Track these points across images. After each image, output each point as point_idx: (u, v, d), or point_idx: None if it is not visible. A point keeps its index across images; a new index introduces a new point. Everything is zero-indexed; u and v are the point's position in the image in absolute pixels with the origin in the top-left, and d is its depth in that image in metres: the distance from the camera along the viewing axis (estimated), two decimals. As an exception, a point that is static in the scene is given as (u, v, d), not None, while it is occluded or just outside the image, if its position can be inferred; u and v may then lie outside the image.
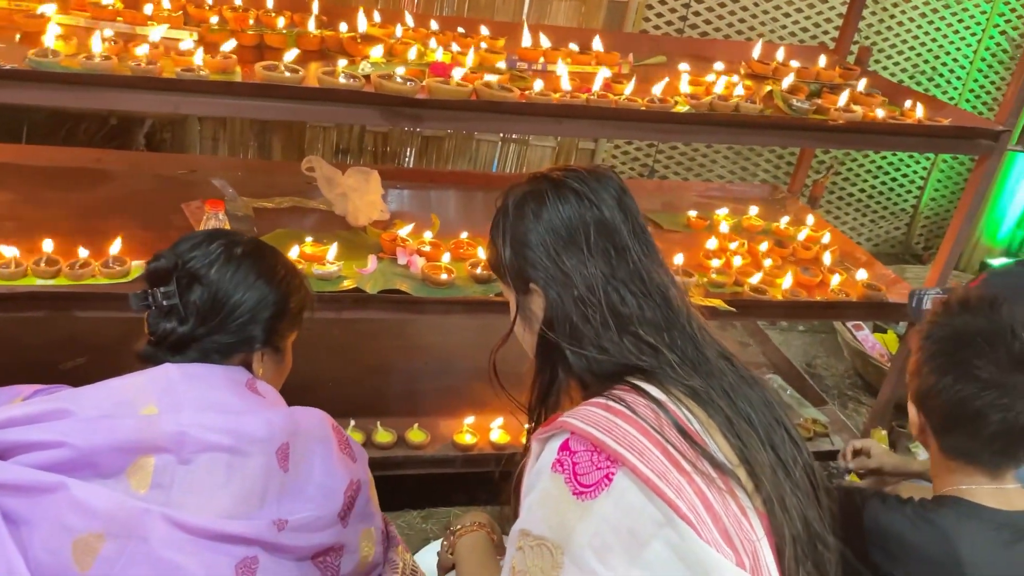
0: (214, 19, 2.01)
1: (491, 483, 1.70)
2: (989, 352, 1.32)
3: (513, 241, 1.14)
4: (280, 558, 1.15)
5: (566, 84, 1.95)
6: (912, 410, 1.46)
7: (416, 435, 2.17)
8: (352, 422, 2.13)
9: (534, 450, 1.02)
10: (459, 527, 1.36)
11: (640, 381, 1.03)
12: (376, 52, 1.95)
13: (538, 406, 1.16)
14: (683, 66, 2.27)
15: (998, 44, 4.01)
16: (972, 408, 1.32)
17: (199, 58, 1.71)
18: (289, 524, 1.15)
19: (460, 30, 2.28)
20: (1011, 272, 1.77)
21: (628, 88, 1.99)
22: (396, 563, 1.34)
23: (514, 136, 3.51)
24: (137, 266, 1.82)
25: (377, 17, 2.22)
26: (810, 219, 2.68)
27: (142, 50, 1.74)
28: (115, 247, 1.85)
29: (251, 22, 2.03)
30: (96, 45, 1.69)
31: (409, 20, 2.23)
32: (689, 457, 0.96)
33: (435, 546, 1.85)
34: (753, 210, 2.66)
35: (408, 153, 3.48)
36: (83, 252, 1.83)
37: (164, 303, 1.22)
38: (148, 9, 1.97)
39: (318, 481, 1.21)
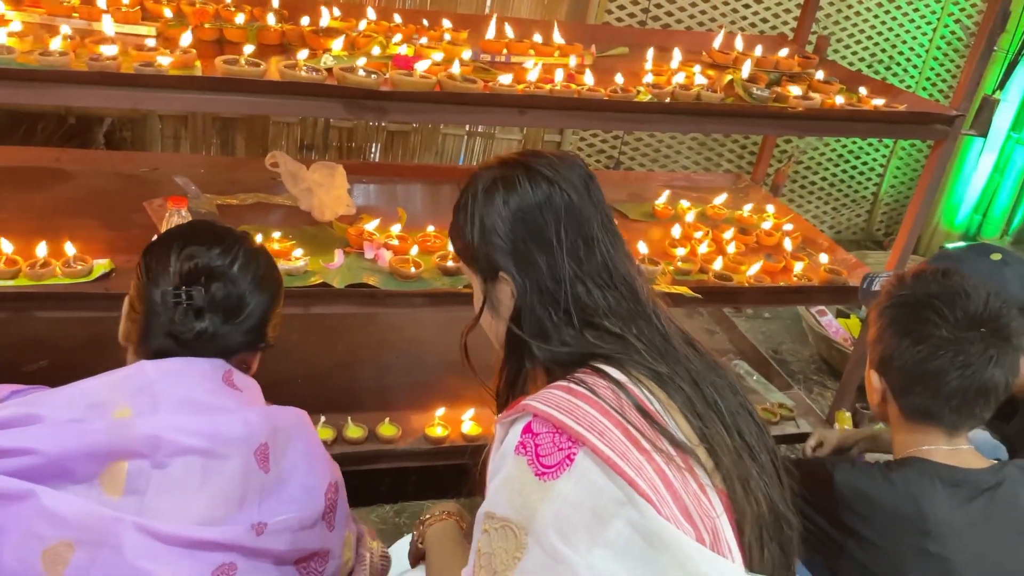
0: (169, 13, 1.98)
1: (464, 475, 1.72)
2: (946, 313, 1.39)
3: (482, 227, 1.13)
4: (260, 563, 1.13)
5: (533, 75, 1.95)
6: (873, 378, 1.51)
7: (387, 429, 2.16)
8: (323, 418, 2.12)
9: (498, 434, 1.04)
10: (428, 517, 1.37)
11: (603, 364, 1.05)
12: (338, 45, 1.94)
13: (506, 393, 1.17)
14: (646, 58, 2.29)
15: (953, 32, 4.09)
16: (931, 367, 1.39)
17: (162, 58, 1.69)
18: (269, 527, 1.13)
19: (424, 22, 2.28)
20: (948, 255, 1.83)
21: (589, 78, 2.00)
22: (364, 557, 1.34)
23: (480, 129, 3.51)
24: (99, 265, 1.80)
25: (338, 12, 2.21)
26: (772, 208, 2.72)
27: (104, 49, 1.72)
28: (76, 247, 1.82)
29: (210, 17, 2.01)
30: (53, 42, 1.66)
31: (371, 13, 2.23)
32: (649, 436, 0.98)
33: (409, 539, 1.86)
34: (718, 200, 2.69)
35: (374, 148, 3.46)
36: (43, 252, 1.80)
37: (199, 302, 1.20)
38: (104, 4, 1.94)
39: (300, 481, 1.20)
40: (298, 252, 1.95)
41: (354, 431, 2.14)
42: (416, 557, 1.39)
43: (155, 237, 1.33)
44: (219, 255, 1.23)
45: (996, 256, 1.73)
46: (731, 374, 1.15)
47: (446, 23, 2.30)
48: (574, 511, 0.93)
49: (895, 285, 1.51)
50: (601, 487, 0.93)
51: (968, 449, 1.45)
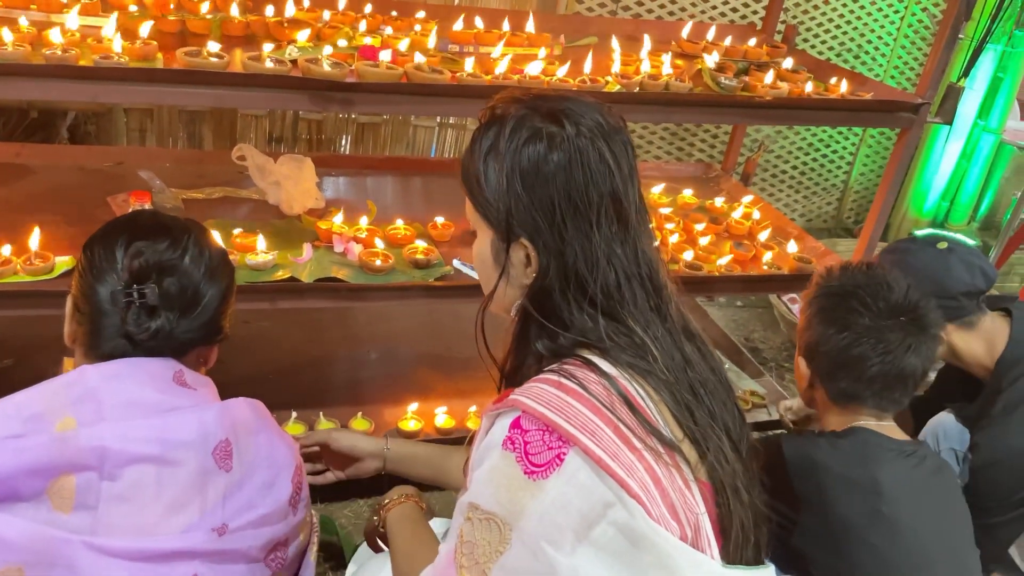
0: (133, 7, 1.95)
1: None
2: (868, 303, 1.48)
3: (510, 178, 1.00)
4: (226, 565, 1.10)
5: (503, 66, 1.94)
6: (801, 364, 1.59)
7: (360, 424, 2.15)
8: (294, 414, 2.10)
9: (484, 424, 1.01)
10: (387, 501, 1.37)
11: (593, 356, 1.00)
12: (303, 36, 1.91)
13: (514, 374, 1.10)
14: (614, 46, 2.29)
15: (920, 21, 4.13)
16: (854, 354, 1.48)
17: (118, 45, 1.66)
18: (231, 527, 1.10)
19: (393, 13, 2.26)
20: (898, 247, 1.88)
21: (561, 70, 2.00)
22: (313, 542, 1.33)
23: (451, 121, 3.49)
24: (62, 262, 1.76)
25: (307, 3, 2.18)
26: (746, 198, 2.73)
27: (57, 38, 1.68)
28: (37, 243, 1.79)
29: (172, 7, 1.98)
30: (8, 34, 1.62)
31: (341, 3, 2.20)
32: (639, 434, 0.96)
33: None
34: (688, 191, 2.70)
35: (344, 140, 3.43)
36: (4, 249, 1.76)
37: (150, 301, 1.14)
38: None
39: (265, 473, 1.17)
40: (263, 245, 1.92)
41: (326, 426, 2.12)
42: (374, 543, 1.38)
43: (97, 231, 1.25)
44: (168, 248, 1.17)
45: (943, 245, 1.79)
46: (719, 359, 1.13)
47: (419, 14, 2.28)
48: (561, 511, 0.91)
49: (823, 277, 1.59)
50: (590, 488, 0.91)
51: (893, 425, 1.54)
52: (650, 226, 1.08)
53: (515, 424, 0.95)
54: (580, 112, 1.02)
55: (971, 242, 1.94)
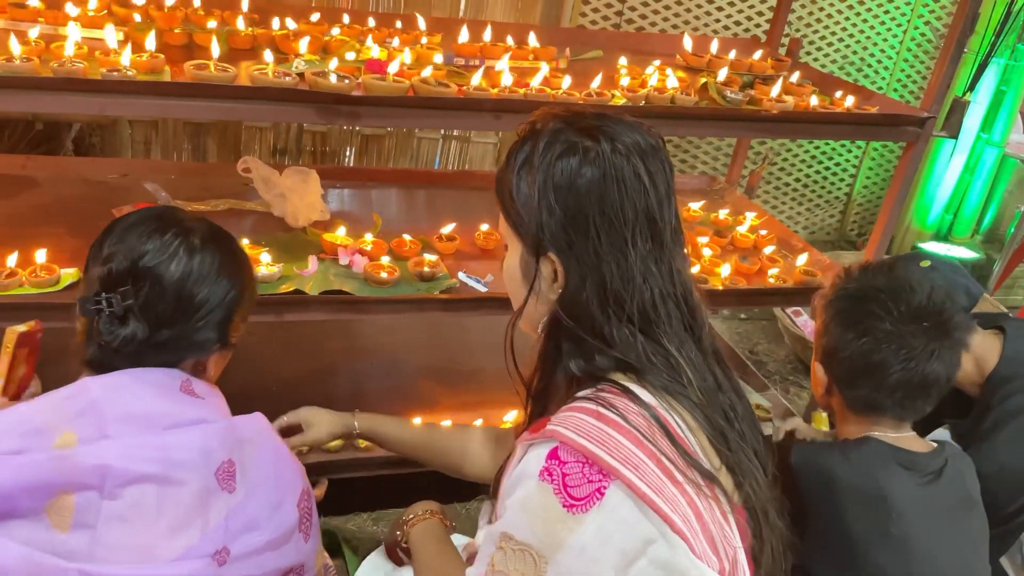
0: (137, 16, 1.95)
1: (441, 482, 1.71)
2: (889, 306, 1.42)
3: (543, 191, 0.99)
4: None
5: (507, 79, 1.94)
6: (817, 370, 1.54)
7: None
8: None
9: (518, 452, 0.99)
10: (411, 516, 1.36)
11: (630, 383, 0.98)
12: (304, 47, 1.92)
13: (542, 397, 1.08)
14: (621, 61, 2.29)
15: (923, 35, 4.14)
16: (875, 360, 1.42)
17: (126, 58, 1.66)
18: (233, 554, 1.05)
19: (398, 24, 2.26)
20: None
21: (565, 83, 2.00)
22: (330, 568, 1.31)
23: (455, 133, 3.50)
24: (67, 274, 1.76)
25: (314, 17, 2.19)
26: (750, 213, 2.73)
27: (69, 50, 1.68)
28: (43, 255, 1.79)
29: (180, 21, 1.98)
30: (16, 46, 1.63)
31: (345, 18, 2.21)
32: (680, 467, 0.94)
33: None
34: (695, 205, 2.70)
35: (348, 152, 3.44)
36: (9, 261, 1.76)
37: (121, 307, 1.08)
38: (71, 9, 1.90)
39: (268, 496, 1.12)
40: (267, 258, 1.92)
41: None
42: (397, 554, 1.37)
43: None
44: (154, 252, 1.10)
45: (925, 263, 1.78)
46: (742, 385, 1.12)
47: (421, 24, 2.29)
48: (601, 547, 0.89)
49: (841, 278, 1.54)
50: (632, 524, 0.89)
51: (912, 435, 1.49)
52: (685, 248, 1.07)
53: (552, 455, 0.92)
54: (617, 129, 1.01)
55: (974, 253, 1.94)
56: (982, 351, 1.77)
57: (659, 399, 0.97)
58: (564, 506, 0.90)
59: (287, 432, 1.62)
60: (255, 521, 1.09)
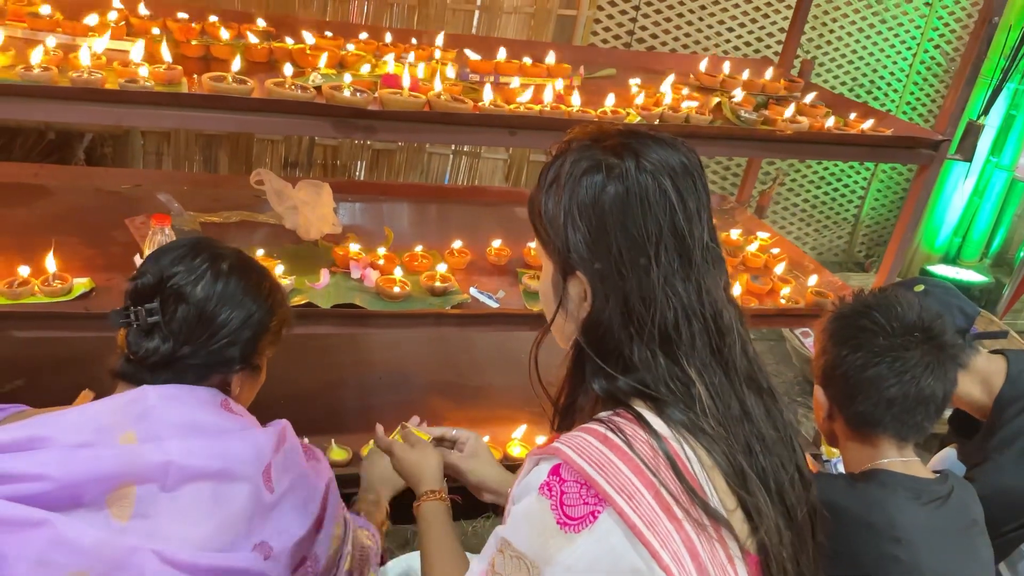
0: (156, 30, 1.96)
1: (461, 499, 1.70)
2: (882, 322, 1.45)
3: (568, 210, 0.98)
4: None
5: (524, 97, 1.95)
6: (818, 394, 1.55)
7: (344, 452, 2.13)
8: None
9: (526, 464, 0.99)
10: (423, 491, 1.41)
11: (646, 410, 0.97)
12: (323, 63, 1.92)
13: (569, 411, 1.07)
14: (633, 80, 2.30)
15: (932, 58, 4.15)
16: (869, 374, 1.43)
17: (144, 69, 1.67)
18: (275, 551, 1.13)
19: (413, 41, 2.27)
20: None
21: (575, 100, 2.00)
22: (344, 553, 1.34)
23: (466, 149, 3.51)
24: (79, 284, 1.76)
25: (329, 33, 2.20)
26: (762, 233, 2.72)
27: (86, 60, 1.69)
28: (55, 264, 1.79)
29: (197, 33, 1.99)
30: (35, 56, 1.64)
31: (363, 34, 2.22)
32: (683, 503, 0.92)
33: (398, 562, 1.83)
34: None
35: (359, 166, 3.45)
36: (22, 270, 1.76)
37: (147, 321, 1.16)
38: (89, 20, 1.91)
39: (302, 496, 1.20)
40: (280, 270, 1.91)
41: (338, 453, 2.11)
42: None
43: None
44: (183, 274, 1.19)
45: (919, 287, 1.79)
46: (789, 418, 1.07)
47: (437, 40, 2.30)
48: (587, 570, 0.89)
49: (837, 304, 1.58)
50: (620, 553, 0.88)
51: (917, 461, 1.50)
52: (721, 269, 1.03)
53: (554, 471, 0.93)
54: (645, 146, 0.99)
55: (982, 277, 1.94)
56: (988, 373, 1.77)
57: (674, 431, 0.95)
58: (558, 523, 0.91)
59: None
60: (288, 520, 1.17)
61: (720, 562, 0.93)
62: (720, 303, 1.01)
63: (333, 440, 2.13)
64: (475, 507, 1.92)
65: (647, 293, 0.97)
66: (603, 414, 0.98)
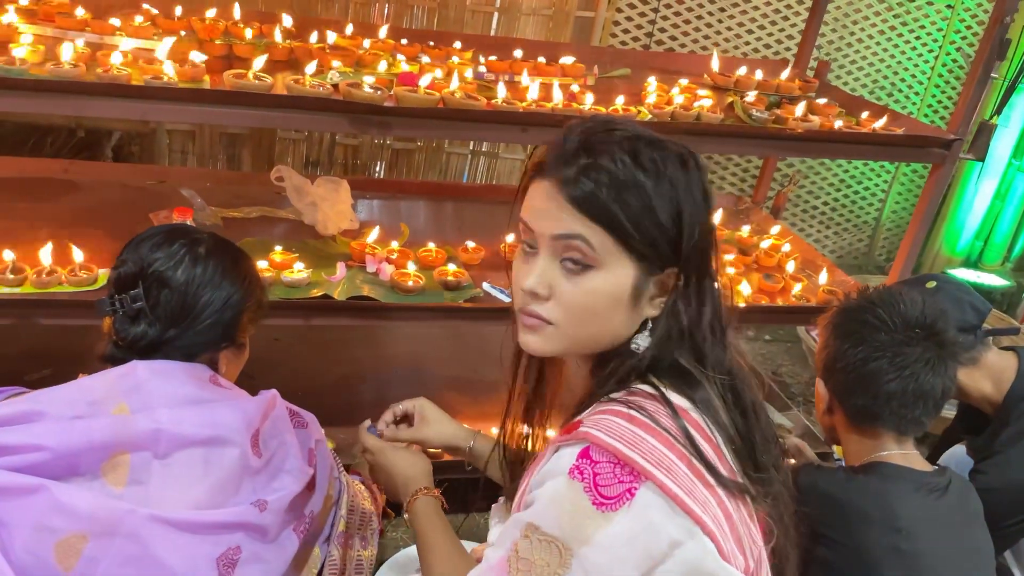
0: (183, 32, 2.02)
1: (459, 490, 1.73)
2: (884, 318, 1.47)
3: (679, 210, 1.00)
4: (263, 542, 1.18)
5: (534, 92, 1.98)
6: (819, 387, 1.59)
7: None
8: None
9: (547, 453, 1.01)
10: (414, 488, 1.42)
11: (664, 386, 1.01)
12: (344, 62, 1.97)
13: (588, 400, 1.07)
14: (650, 79, 2.32)
15: (955, 60, 4.13)
16: (870, 368, 1.46)
17: (169, 67, 1.72)
18: (270, 504, 1.18)
19: (430, 43, 2.32)
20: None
21: (588, 99, 2.03)
22: (338, 516, 1.39)
23: (484, 148, 3.55)
24: (104, 274, 1.82)
25: (348, 30, 2.25)
26: (774, 228, 2.74)
27: (112, 59, 1.75)
28: (81, 255, 1.85)
29: (221, 33, 2.05)
30: (65, 54, 1.70)
31: (382, 33, 2.26)
32: (713, 469, 0.97)
33: (406, 552, 1.87)
34: (716, 218, 2.71)
35: (378, 165, 3.50)
36: (49, 261, 1.82)
37: (132, 307, 1.22)
38: (116, 20, 1.98)
39: (292, 459, 1.25)
40: (299, 265, 1.97)
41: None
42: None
43: None
44: (163, 260, 1.23)
45: (931, 284, 1.80)
46: (770, 418, 1.13)
47: (456, 44, 2.34)
48: (627, 546, 0.91)
49: (842, 300, 1.60)
50: (660, 525, 0.91)
51: (916, 454, 1.52)
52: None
53: (584, 454, 0.95)
54: (678, 143, 1.04)
55: (1004, 281, 1.95)
56: (997, 370, 1.79)
57: (692, 405, 1.00)
58: (594, 504, 0.92)
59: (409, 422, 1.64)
60: (281, 479, 1.22)
61: (744, 519, 0.98)
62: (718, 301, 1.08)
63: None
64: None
65: (710, 289, 1.04)
66: (617, 394, 1.01)
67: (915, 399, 1.46)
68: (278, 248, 2.03)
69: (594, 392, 1.06)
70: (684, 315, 1.02)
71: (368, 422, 1.60)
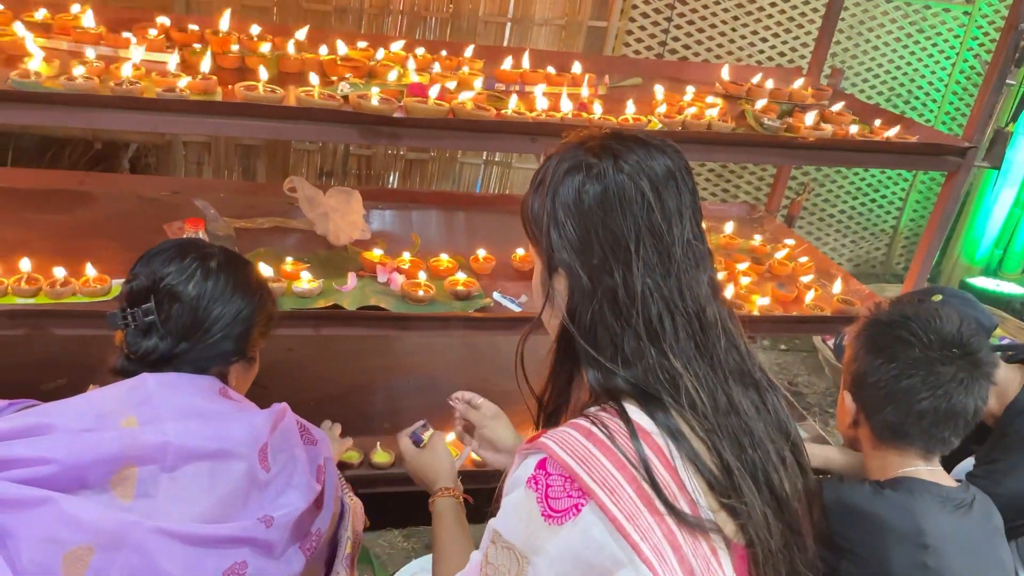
0: (197, 45, 2.04)
1: (473, 500, 1.72)
2: (919, 334, 1.44)
3: (552, 208, 1.02)
4: (269, 558, 1.17)
5: (542, 103, 1.99)
6: (846, 399, 1.54)
7: (381, 456, 2.17)
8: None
9: (516, 459, 1.02)
10: (437, 488, 1.44)
11: (633, 406, 0.99)
12: (355, 74, 1.98)
13: (553, 403, 1.10)
14: (658, 87, 2.32)
15: (972, 67, 4.09)
16: (903, 386, 1.42)
17: (182, 80, 1.74)
18: (276, 521, 1.17)
19: (443, 53, 2.33)
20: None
21: (597, 108, 2.03)
22: (343, 539, 1.38)
23: (497, 158, 3.55)
24: (118, 285, 1.84)
25: (361, 44, 2.26)
26: (789, 241, 2.72)
27: (124, 72, 1.77)
28: (96, 267, 1.87)
29: (233, 46, 2.07)
30: (78, 67, 1.72)
31: (394, 46, 2.28)
32: (666, 495, 0.93)
33: (417, 564, 1.87)
34: (729, 227, 2.70)
35: (392, 176, 3.51)
36: (63, 271, 1.84)
37: (144, 321, 1.23)
38: (130, 34, 2.00)
39: (300, 473, 1.24)
40: (307, 275, 1.97)
41: (382, 456, 2.16)
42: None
43: None
44: (174, 274, 1.24)
45: (937, 297, 1.79)
46: (783, 407, 1.07)
47: (467, 53, 2.35)
48: (571, 560, 0.92)
49: (872, 310, 1.56)
50: (602, 544, 0.91)
51: (941, 471, 1.49)
52: (705, 266, 1.05)
53: (541, 465, 0.96)
54: (626, 148, 1.03)
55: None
56: (1005, 383, 1.79)
57: (659, 427, 0.97)
58: (543, 515, 0.94)
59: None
60: (288, 494, 1.21)
61: (703, 554, 0.94)
62: (703, 299, 1.03)
63: (379, 443, 2.18)
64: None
65: (630, 288, 0.99)
66: (590, 409, 1.00)
67: (947, 418, 1.42)
68: (290, 258, 2.04)
69: (557, 387, 1.08)
70: (593, 309, 1.00)
71: (414, 426, 1.59)
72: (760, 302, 2.27)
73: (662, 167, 1.02)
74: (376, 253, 2.12)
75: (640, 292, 0.99)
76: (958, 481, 1.51)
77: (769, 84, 2.49)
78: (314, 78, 1.87)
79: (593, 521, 0.91)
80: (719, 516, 0.97)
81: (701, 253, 1.04)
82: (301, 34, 2.23)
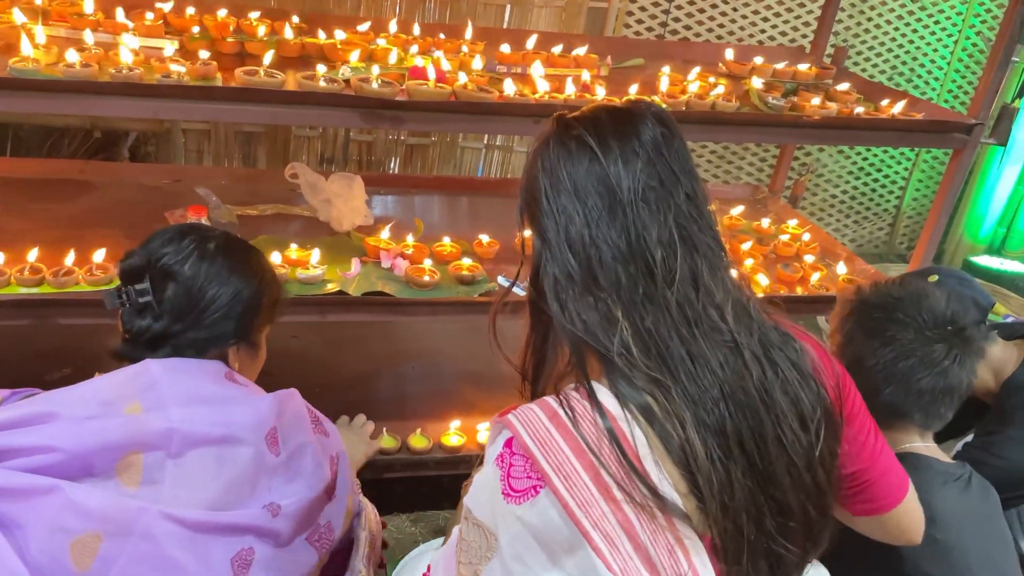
0: (195, 28, 2.03)
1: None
2: (912, 314, 1.47)
3: (526, 174, 1.07)
4: (275, 546, 1.17)
5: (543, 85, 1.97)
6: None
7: (388, 442, 2.17)
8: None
9: (492, 430, 1.02)
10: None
11: (600, 387, 0.97)
12: (355, 57, 1.97)
13: (535, 369, 1.10)
14: (665, 69, 2.30)
15: (974, 44, 4.07)
16: (901, 367, 1.46)
17: (181, 66, 1.72)
18: (283, 509, 1.17)
19: (441, 36, 2.31)
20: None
21: (600, 90, 2.02)
22: (361, 538, 1.37)
23: (498, 142, 3.54)
24: (121, 273, 1.83)
25: (361, 27, 2.24)
26: (792, 221, 2.71)
27: (124, 58, 1.76)
28: (99, 255, 1.86)
29: (232, 31, 2.05)
30: (76, 53, 1.70)
31: (392, 27, 2.26)
32: (624, 485, 0.92)
33: (424, 548, 1.87)
34: (736, 211, 2.69)
35: (393, 161, 3.50)
36: (67, 261, 1.83)
37: (138, 300, 1.22)
38: (128, 20, 1.98)
39: (310, 460, 1.24)
40: (315, 260, 1.97)
41: (388, 441, 2.15)
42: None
43: None
44: (171, 255, 1.24)
45: (933, 277, 1.80)
46: (794, 355, 1.04)
47: (467, 35, 2.33)
48: (530, 538, 0.93)
49: (855, 293, 1.58)
50: (558, 527, 0.92)
51: (936, 446, 1.52)
52: (660, 217, 1.01)
53: (508, 443, 0.97)
54: (585, 114, 1.07)
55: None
56: (999, 362, 1.80)
57: (625, 411, 0.95)
58: (503, 494, 0.95)
59: None
60: (296, 483, 1.21)
61: (665, 542, 0.92)
62: (651, 245, 0.99)
63: (385, 429, 2.17)
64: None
65: (574, 240, 1.00)
66: (567, 389, 0.99)
67: (944, 395, 1.46)
68: (293, 245, 2.03)
69: (563, 374, 1.07)
70: (541, 267, 1.03)
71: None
72: (762, 283, 2.26)
73: (623, 125, 1.04)
74: (382, 238, 2.11)
75: (585, 242, 1.00)
76: (959, 462, 1.53)
77: (774, 64, 2.47)
78: (321, 68, 1.86)
79: (549, 504, 0.92)
80: (688, 500, 0.94)
81: (658, 205, 1.01)
82: (297, 18, 2.21)
